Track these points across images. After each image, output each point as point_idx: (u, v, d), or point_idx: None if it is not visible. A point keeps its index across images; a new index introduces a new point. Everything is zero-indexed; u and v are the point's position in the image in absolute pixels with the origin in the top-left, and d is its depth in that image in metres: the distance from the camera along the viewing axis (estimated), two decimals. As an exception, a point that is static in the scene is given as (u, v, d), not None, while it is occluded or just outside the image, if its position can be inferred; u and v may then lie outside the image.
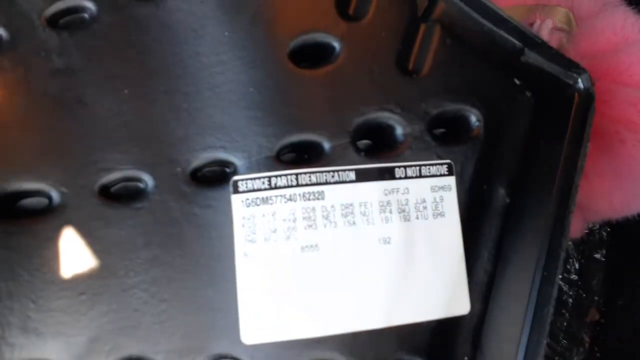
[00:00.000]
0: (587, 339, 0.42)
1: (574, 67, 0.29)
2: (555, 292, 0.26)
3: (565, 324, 0.41)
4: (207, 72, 0.24)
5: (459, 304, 0.26)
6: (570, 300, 0.41)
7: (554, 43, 0.37)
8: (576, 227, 0.39)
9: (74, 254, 0.23)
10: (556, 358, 0.40)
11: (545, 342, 0.26)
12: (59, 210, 0.23)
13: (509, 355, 0.26)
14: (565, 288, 0.41)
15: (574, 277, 0.41)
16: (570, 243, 0.42)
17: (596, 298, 0.43)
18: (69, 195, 0.23)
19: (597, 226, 0.44)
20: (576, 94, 0.29)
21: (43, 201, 0.23)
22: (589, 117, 0.29)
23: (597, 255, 0.44)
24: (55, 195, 0.23)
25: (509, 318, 0.26)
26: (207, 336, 0.24)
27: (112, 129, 0.24)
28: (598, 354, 0.42)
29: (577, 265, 0.42)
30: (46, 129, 0.24)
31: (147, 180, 0.24)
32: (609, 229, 0.44)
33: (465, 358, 0.26)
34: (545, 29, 0.36)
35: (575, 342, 0.41)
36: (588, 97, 0.28)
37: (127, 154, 0.24)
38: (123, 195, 0.24)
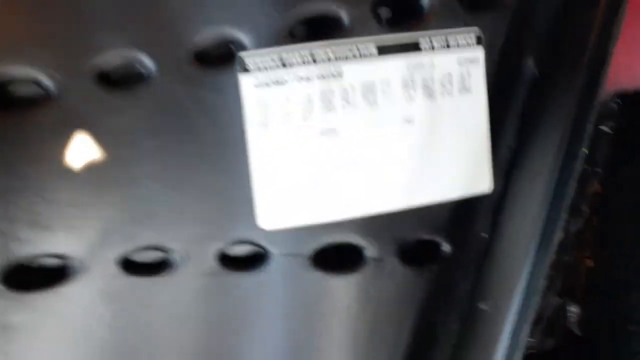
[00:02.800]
0: (586, 209, 0.42)
1: None
2: (578, 167, 0.25)
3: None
4: None
5: (481, 182, 0.24)
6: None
7: None
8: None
9: (76, 143, 0.21)
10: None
11: (564, 217, 0.25)
12: (56, 98, 0.20)
13: (526, 231, 0.25)
14: None
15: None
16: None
17: (598, 170, 0.42)
18: (64, 81, 0.20)
19: (608, 97, 0.41)
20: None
21: (37, 89, 0.20)
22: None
23: (604, 128, 0.42)
24: (48, 82, 0.20)
25: (529, 194, 0.25)
26: (223, 222, 0.22)
27: (105, 4, 0.20)
28: (595, 223, 0.42)
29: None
30: (29, 6, 0.20)
31: (148, 63, 0.21)
32: (619, 101, 0.42)
33: (484, 234, 0.25)
34: None
35: (574, 213, 0.41)
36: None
37: (124, 32, 0.20)
38: (123, 81, 0.21)
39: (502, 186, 0.25)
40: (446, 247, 0.25)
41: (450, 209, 0.24)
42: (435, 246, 0.24)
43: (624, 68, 0.34)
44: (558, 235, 0.25)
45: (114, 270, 0.22)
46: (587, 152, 0.25)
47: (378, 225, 0.23)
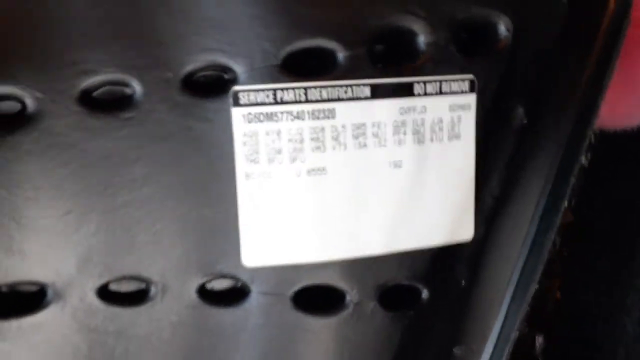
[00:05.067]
0: (558, 239, 0.42)
1: (615, -29, 0.24)
2: (559, 219, 0.25)
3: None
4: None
5: (464, 230, 0.24)
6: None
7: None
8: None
9: (57, 169, 0.20)
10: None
11: (541, 268, 0.25)
12: (36, 119, 0.19)
13: (503, 279, 0.25)
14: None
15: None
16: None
17: (572, 200, 0.43)
18: (46, 101, 0.19)
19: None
20: (612, 2, 0.25)
21: (16, 107, 0.19)
22: (623, 29, 0.25)
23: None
24: (29, 102, 0.19)
25: (508, 243, 0.25)
26: (206, 256, 0.22)
27: (92, 23, 0.19)
28: (565, 254, 0.42)
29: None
30: (13, 22, 0.19)
31: (135, 85, 0.20)
32: (597, 134, 0.42)
33: (463, 282, 0.25)
34: None
35: None
36: (624, 6, 0.25)
37: (111, 54, 0.20)
38: (109, 104, 0.20)
39: (482, 234, 0.25)
40: (425, 294, 0.24)
41: (431, 256, 0.24)
42: (415, 292, 0.24)
43: (607, 106, 0.34)
44: (534, 285, 0.25)
45: (92, 299, 0.21)
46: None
47: (360, 268, 0.23)
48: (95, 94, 0.20)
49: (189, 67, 0.20)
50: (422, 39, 0.22)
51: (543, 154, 0.25)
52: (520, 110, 0.24)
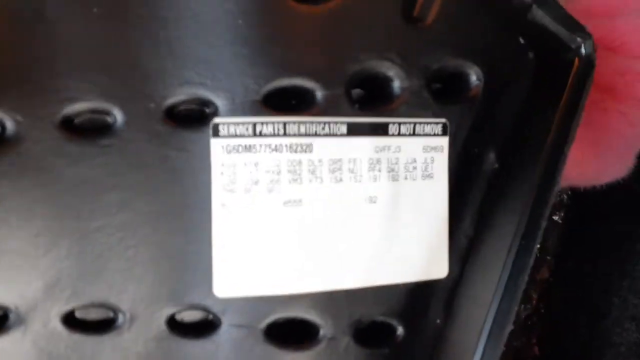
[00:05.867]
0: (535, 295, 0.42)
1: (580, 30, 0.26)
2: (531, 262, 0.25)
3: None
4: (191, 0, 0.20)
5: (438, 268, 0.24)
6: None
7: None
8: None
9: (31, 191, 0.20)
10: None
11: (515, 309, 0.25)
12: (14, 142, 0.20)
13: (478, 320, 0.25)
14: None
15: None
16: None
17: (549, 257, 0.43)
18: (25, 125, 0.20)
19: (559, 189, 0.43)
20: (577, 59, 0.26)
21: (-3, 129, 0.20)
22: (587, 85, 0.26)
23: (555, 217, 0.44)
24: (9, 124, 0.20)
25: (482, 283, 0.25)
26: (177, 285, 0.21)
27: (77, 52, 0.20)
28: (542, 310, 0.42)
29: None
30: (2, 48, 0.19)
31: (116, 114, 0.20)
32: (569, 192, 0.44)
33: (438, 321, 0.25)
34: None
35: (524, 299, 0.41)
36: (588, 64, 0.26)
37: (95, 83, 0.20)
38: (89, 130, 0.20)
39: (457, 273, 0.25)
40: (400, 331, 0.24)
41: (406, 292, 0.24)
42: (390, 329, 0.24)
43: (576, 166, 0.36)
44: (509, 326, 0.25)
45: (56, 325, 0.20)
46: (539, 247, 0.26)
47: (335, 302, 0.23)
48: (76, 121, 0.20)
49: (171, 100, 0.21)
50: (397, 84, 0.23)
51: (514, 197, 0.26)
52: (491, 155, 0.25)
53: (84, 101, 0.20)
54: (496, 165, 0.25)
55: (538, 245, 0.26)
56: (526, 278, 0.25)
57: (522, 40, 0.25)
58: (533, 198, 0.26)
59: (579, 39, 0.26)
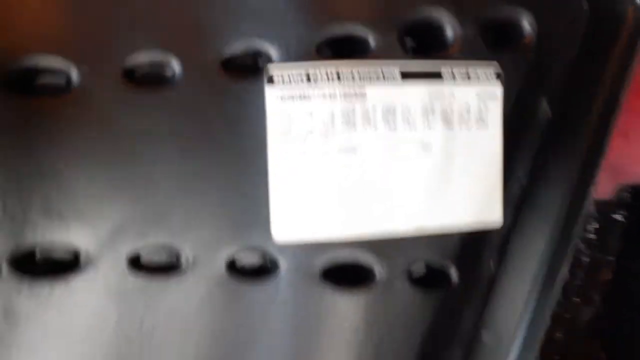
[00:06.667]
0: (597, 297, 0.41)
1: (635, -19, 0.25)
2: (584, 214, 0.25)
3: (578, 283, 0.39)
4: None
5: (492, 215, 0.24)
6: (586, 260, 0.39)
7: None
8: (606, 188, 0.36)
9: (96, 137, 0.21)
10: (566, 315, 0.39)
11: (569, 261, 0.25)
12: (80, 90, 0.20)
13: (530, 270, 0.25)
14: (582, 247, 0.39)
15: (592, 236, 0.39)
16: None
17: (610, 258, 0.41)
18: (91, 74, 0.20)
19: (620, 187, 0.41)
20: (630, 9, 0.25)
21: (64, 80, 0.20)
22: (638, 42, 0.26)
23: (617, 216, 0.42)
24: (74, 74, 0.20)
25: (536, 234, 0.25)
26: (236, 229, 0.22)
27: (138, 7, 0.20)
28: (605, 312, 0.41)
29: (596, 225, 0.40)
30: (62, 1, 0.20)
31: (175, 66, 0.21)
32: (632, 190, 0.42)
33: (492, 268, 0.25)
34: None
35: (586, 301, 0.40)
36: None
37: (154, 34, 0.21)
38: (149, 81, 0.21)
39: (511, 221, 0.25)
40: (454, 275, 0.24)
41: (460, 238, 0.24)
42: (444, 273, 0.24)
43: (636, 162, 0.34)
44: (563, 274, 0.25)
45: (123, 267, 0.21)
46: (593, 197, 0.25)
47: (389, 247, 0.23)
48: (137, 73, 0.21)
49: (227, 51, 0.21)
50: (450, 32, 0.23)
51: (567, 148, 0.25)
52: (544, 104, 0.25)
53: (144, 51, 0.20)
54: (549, 115, 0.25)
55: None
56: (580, 230, 0.25)
57: (576, -10, 0.25)
58: (586, 150, 0.25)
59: (630, -12, 0.25)
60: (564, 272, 0.25)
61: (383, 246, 0.23)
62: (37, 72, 0.20)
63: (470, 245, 0.24)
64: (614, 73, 0.25)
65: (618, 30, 0.25)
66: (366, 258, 0.23)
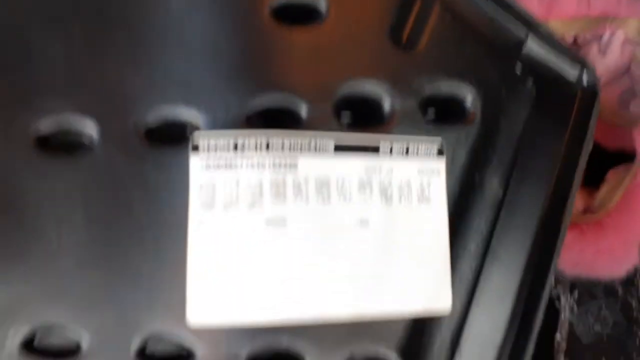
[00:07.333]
0: None
1: (579, 61, 0.25)
2: (546, 297, 0.23)
3: (638, 341, 0.36)
4: (174, 17, 0.21)
5: (440, 301, 0.22)
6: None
7: (625, 56, 0.34)
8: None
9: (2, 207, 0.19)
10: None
11: (532, 351, 0.22)
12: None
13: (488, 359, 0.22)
14: (634, 304, 0.37)
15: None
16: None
17: None
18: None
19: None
20: (579, 91, 0.25)
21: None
22: (593, 115, 0.25)
23: None
24: None
25: (492, 322, 0.22)
26: (146, 313, 0.19)
27: (57, 71, 0.20)
28: None
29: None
30: None
31: (92, 130, 0.20)
32: None
33: (444, 354, 0.22)
34: (617, 42, 0.34)
35: None
36: (592, 94, 0.25)
37: (72, 98, 0.20)
38: (64, 146, 0.20)
39: (463, 308, 0.22)
40: (402, 371, 0.21)
41: (405, 328, 0.21)
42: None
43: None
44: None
45: (14, 350, 0.18)
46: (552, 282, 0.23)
47: (324, 334, 0.20)
48: (52, 136, 0.20)
49: (151, 118, 0.20)
50: (388, 105, 0.22)
51: (523, 230, 0.24)
52: (495, 183, 0.24)
53: (58, 114, 0.19)
54: (501, 193, 0.24)
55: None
56: (541, 318, 0.23)
57: (519, 71, 0.25)
58: (543, 231, 0.24)
59: (579, 71, 0.25)
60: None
61: (316, 334, 0.20)
62: None
63: (418, 335, 0.21)
64: (569, 154, 0.24)
65: (568, 111, 0.25)
66: (296, 347, 0.20)
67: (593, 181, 0.35)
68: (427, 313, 0.21)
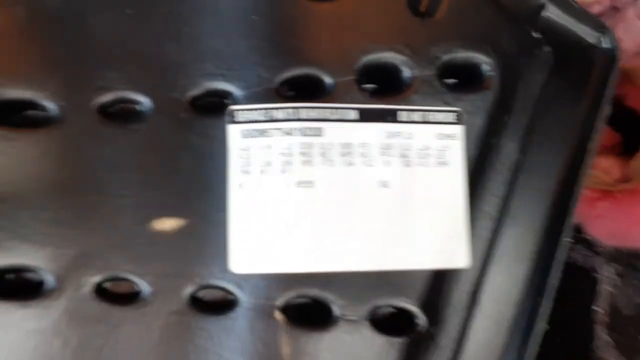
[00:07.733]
0: None
1: (598, 25, 0.26)
2: (563, 257, 0.24)
3: None
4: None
5: (459, 257, 0.23)
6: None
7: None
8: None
9: (68, 167, 0.22)
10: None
11: (550, 307, 0.23)
12: (57, 123, 0.22)
13: (506, 317, 0.23)
14: None
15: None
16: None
17: None
18: (67, 108, 0.22)
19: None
20: (599, 55, 0.26)
21: (43, 113, 0.22)
22: (611, 79, 0.26)
23: None
24: (52, 108, 0.22)
25: (510, 279, 0.24)
26: (196, 263, 0.22)
27: (109, 46, 0.22)
28: None
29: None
30: (45, 41, 0.22)
31: (145, 102, 0.23)
32: None
33: (463, 312, 0.24)
34: None
35: None
36: (611, 58, 0.26)
37: (124, 73, 0.22)
38: (121, 115, 0.22)
39: (481, 266, 0.24)
40: (421, 320, 0.23)
41: (426, 280, 0.23)
42: (410, 317, 0.23)
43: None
44: (541, 325, 0.24)
45: (87, 294, 0.22)
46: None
47: (350, 284, 0.23)
48: (110, 109, 0.23)
49: (193, 90, 0.23)
50: (406, 74, 0.24)
51: (540, 192, 0.25)
52: (512, 146, 0.25)
53: (115, 90, 0.22)
54: (518, 156, 0.25)
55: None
56: (558, 276, 0.24)
57: (536, 35, 0.26)
58: (559, 193, 0.25)
59: (598, 34, 0.26)
60: (544, 317, 0.24)
61: (343, 283, 0.23)
62: (14, 105, 0.22)
63: (438, 287, 0.23)
64: (586, 118, 0.25)
65: (586, 75, 0.26)
66: (325, 295, 0.23)
67: (630, 149, 0.35)
68: (447, 266, 0.23)
